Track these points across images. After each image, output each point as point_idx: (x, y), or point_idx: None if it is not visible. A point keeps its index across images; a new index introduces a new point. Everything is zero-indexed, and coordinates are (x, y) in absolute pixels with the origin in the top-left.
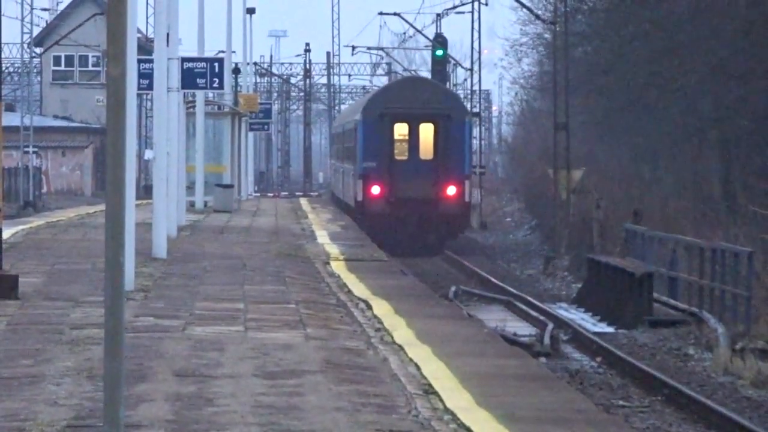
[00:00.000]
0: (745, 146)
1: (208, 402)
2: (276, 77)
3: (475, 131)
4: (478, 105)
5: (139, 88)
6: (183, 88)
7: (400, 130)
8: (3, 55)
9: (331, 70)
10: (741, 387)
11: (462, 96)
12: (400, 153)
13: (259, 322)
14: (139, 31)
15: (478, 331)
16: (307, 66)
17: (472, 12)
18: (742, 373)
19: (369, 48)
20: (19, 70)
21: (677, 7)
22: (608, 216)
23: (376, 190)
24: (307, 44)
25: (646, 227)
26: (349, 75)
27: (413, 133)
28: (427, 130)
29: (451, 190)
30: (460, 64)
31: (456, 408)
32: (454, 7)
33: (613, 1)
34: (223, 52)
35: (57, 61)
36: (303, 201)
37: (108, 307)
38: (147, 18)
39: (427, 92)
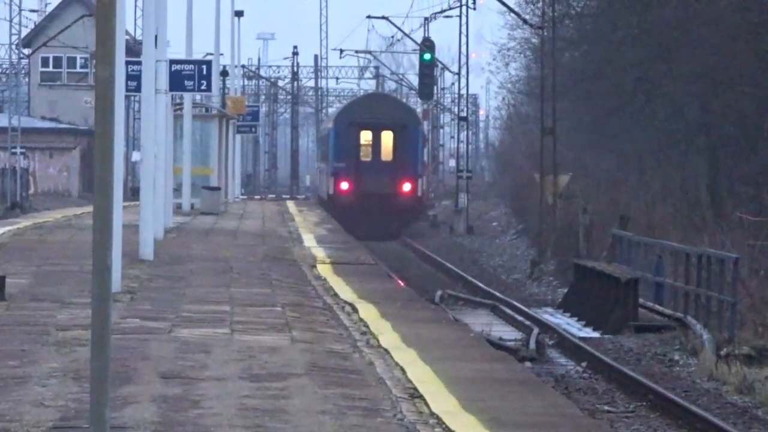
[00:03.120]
0: (731, 152)
1: (194, 404)
2: (264, 80)
3: (462, 135)
4: (465, 109)
5: (127, 90)
6: (171, 90)
7: (365, 136)
8: None
9: (319, 73)
10: (726, 393)
11: (450, 99)
12: (365, 155)
13: (245, 324)
14: (127, 33)
15: (463, 336)
16: (295, 69)
17: (460, 16)
18: (727, 379)
19: (357, 51)
20: (7, 71)
21: (665, 13)
22: (594, 221)
23: (344, 185)
24: (295, 47)
25: (632, 233)
26: (337, 78)
27: (376, 139)
28: (387, 137)
29: (407, 186)
30: (448, 68)
31: (441, 412)
32: (442, 11)
33: (601, 6)
34: (211, 54)
35: (45, 62)
36: (290, 204)
37: (95, 308)
38: (135, 20)
39: (387, 106)
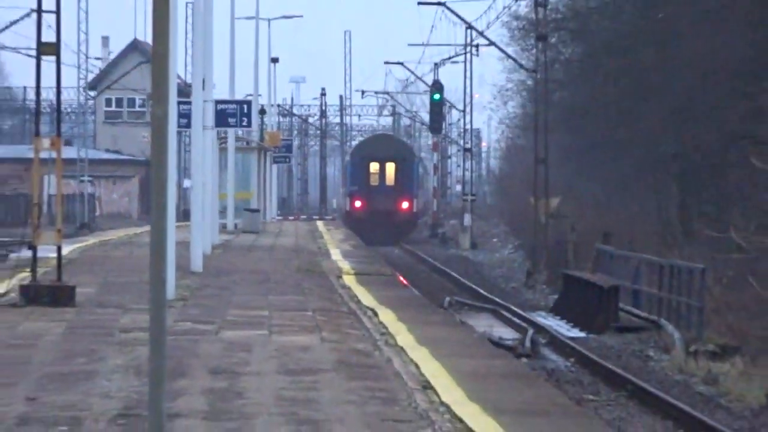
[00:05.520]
0: (699, 179)
1: (237, 395)
2: (296, 117)
3: (467, 164)
4: (469, 142)
5: (178, 126)
6: (216, 126)
7: (374, 167)
8: (62, 98)
9: (343, 111)
10: (694, 384)
11: (456, 133)
12: (374, 181)
13: (281, 326)
14: (178, 76)
15: (468, 336)
16: (323, 107)
17: (465, 62)
18: (695, 372)
19: (376, 92)
20: (76, 111)
21: (642, 57)
22: (581, 237)
23: (358, 203)
24: (323, 89)
25: (614, 247)
26: (359, 115)
27: (381, 169)
28: (390, 167)
29: (405, 204)
30: (455, 106)
31: (450, 402)
32: (450, 58)
33: (586, 52)
34: (250, 95)
35: (108, 102)
36: (319, 223)
37: (152, 313)
38: (185, 65)
39: (390, 144)
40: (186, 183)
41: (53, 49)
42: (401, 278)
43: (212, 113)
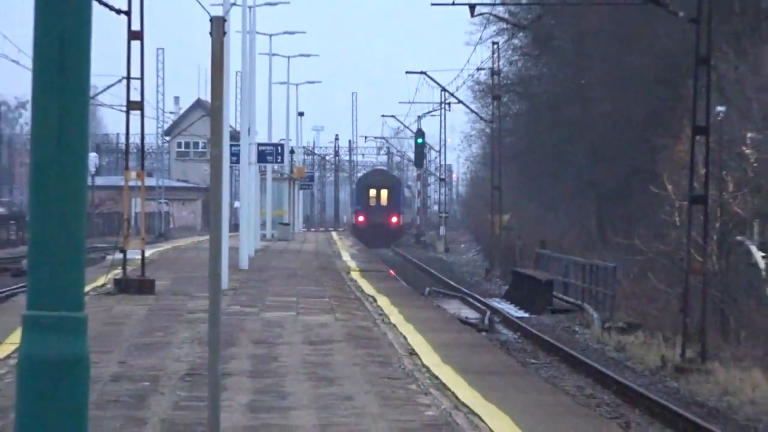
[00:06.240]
0: (611, 201)
1: (273, 359)
2: (316, 156)
3: (442, 190)
4: (443, 174)
5: (230, 162)
6: (258, 162)
7: (372, 192)
8: (145, 141)
9: (351, 151)
10: (607, 351)
11: (434, 167)
12: (372, 202)
13: (305, 309)
14: (230, 126)
15: (443, 316)
16: (336, 149)
17: (440, 115)
18: (608, 342)
19: (375, 137)
20: (155, 151)
21: (569, 112)
22: (525, 244)
23: (360, 218)
24: (336, 135)
25: (550, 251)
26: (363, 154)
27: (378, 193)
28: (384, 192)
29: (394, 219)
30: (433, 148)
31: (429, 364)
32: (429, 112)
33: (528, 108)
34: (283, 139)
35: (179, 144)
36: (334, 234)
37: (211, 299)
38: (236, 117)
39: (384, 176)
40: (236, 204)
41: (138, 105)
42: (393, 273)
43: (255, 153)
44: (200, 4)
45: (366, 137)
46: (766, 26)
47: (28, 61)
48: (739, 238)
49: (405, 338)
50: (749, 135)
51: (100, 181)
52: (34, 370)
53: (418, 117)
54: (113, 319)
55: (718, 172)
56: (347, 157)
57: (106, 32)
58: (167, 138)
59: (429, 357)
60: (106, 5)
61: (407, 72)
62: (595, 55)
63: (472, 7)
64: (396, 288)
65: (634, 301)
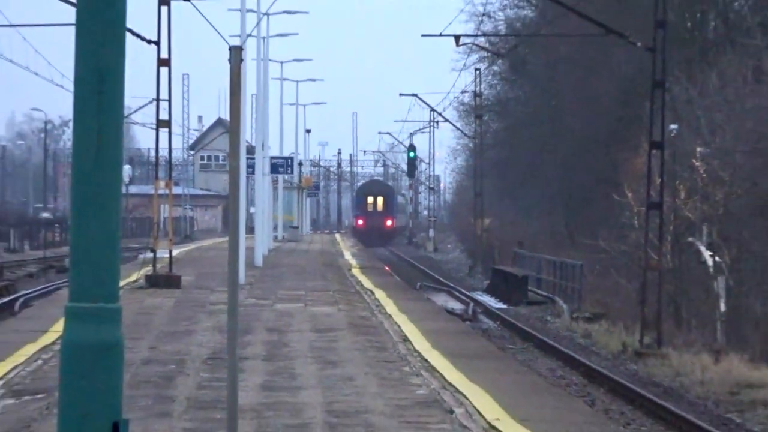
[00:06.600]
0: (579, 207)
1: (284, 345)
2: (322, 167)
3: (431, 198)
4: (432, 183)
5: (247, 173)
6: (271, 173)
7: (370, 199)
8: (172, 155)
9: (352, 164)
10: (575, 338)
11: (424, 177)
12: (370, 208)
13: (313, 301)
14: (247, 141)
15: (432, 307)
16: (339, 162)
17: (430, 132)
18: (576, 330)
19: (373, 151)
20: (181, 163)
21: (542, 129)
22: (504, 244)
23: (360, 222)
24: (339, 149)
25: (525, 250)
26: (362, 166)
27: (374, 200)
28: (380, 199)
29: (389, 222)
30: (423, 160)
31: (420, 349)
32: (419, 129)
33: (507, 125)
34: (293, 153)
35: (202, 158)
36: (337, 236)
37: (230, 292)
38: (251, 133)
39: (380, 185)
40: (252, 209)
41: (167, 124)
42: (389, 270)
43: (268, 165)
44: (220, 35)
45: (365, 151)
46: (713, 54)
47: (70, 85)
48: (690, 239)
49: (399, 326)
50: (699, 149)
51: (133, 189)
52: (76, 355)
53: (411, 134)
54: (144, 310)
55: (671, 182)
56: (348, 169)
57: (138, 60)
58: (192, 152)
59: (420, 343)
60: (138, 36)
61: (401, 94)
62: (564, 80)
63: (457, 37)
64: (391, 283)
65: (598, 294)
